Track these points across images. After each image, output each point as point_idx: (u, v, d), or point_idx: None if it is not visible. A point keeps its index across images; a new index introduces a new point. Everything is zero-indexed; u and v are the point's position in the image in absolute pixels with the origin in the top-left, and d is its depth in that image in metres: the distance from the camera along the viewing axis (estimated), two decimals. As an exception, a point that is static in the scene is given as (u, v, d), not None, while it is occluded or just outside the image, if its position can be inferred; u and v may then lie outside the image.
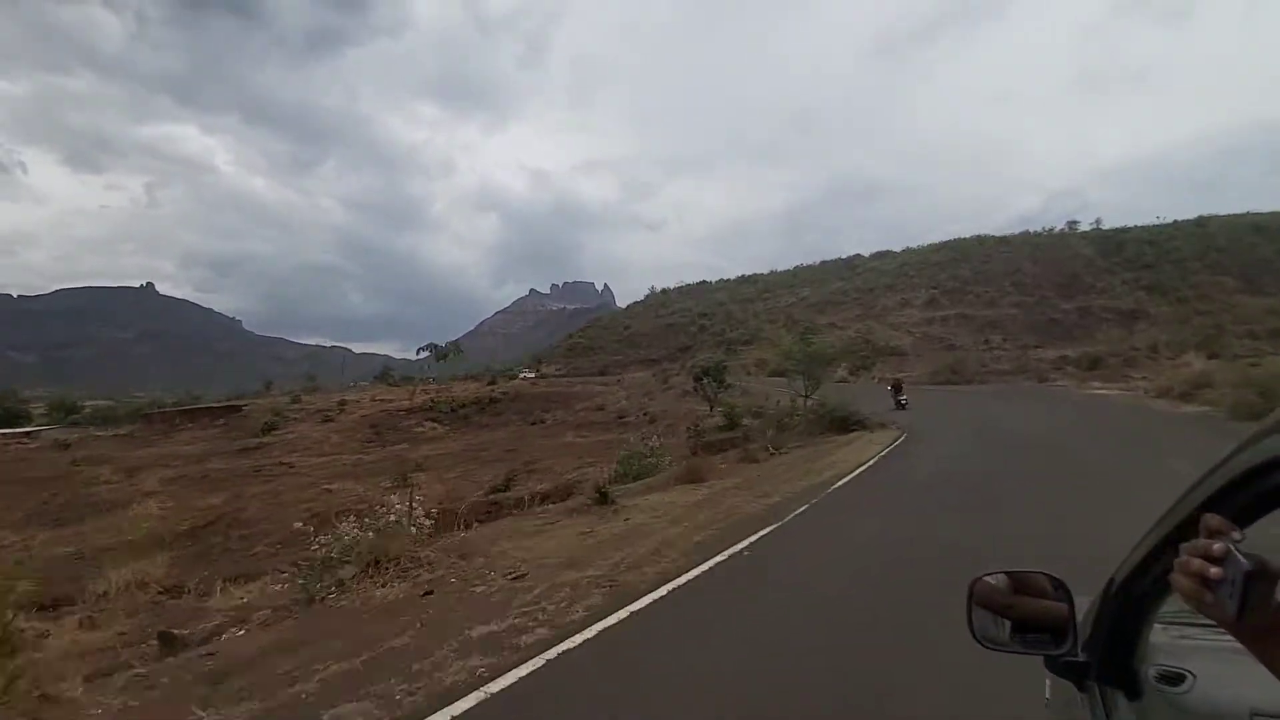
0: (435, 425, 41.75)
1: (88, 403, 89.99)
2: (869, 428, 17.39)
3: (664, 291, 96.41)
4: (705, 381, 28.77)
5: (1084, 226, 75.73)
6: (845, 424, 17.56)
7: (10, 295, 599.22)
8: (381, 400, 51.90)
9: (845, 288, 71.92)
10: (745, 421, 24.14)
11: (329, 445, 36.55)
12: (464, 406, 44.86)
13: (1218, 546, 0.78)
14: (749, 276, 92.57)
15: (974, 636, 1.35)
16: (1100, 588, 1.30)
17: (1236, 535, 0.79)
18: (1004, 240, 75.46)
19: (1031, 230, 77.72)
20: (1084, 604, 1.34)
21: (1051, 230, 76.71)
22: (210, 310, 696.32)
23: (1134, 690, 1.20)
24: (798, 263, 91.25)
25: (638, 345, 76.37)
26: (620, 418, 32.19)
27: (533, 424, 36.43)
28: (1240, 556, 0.76)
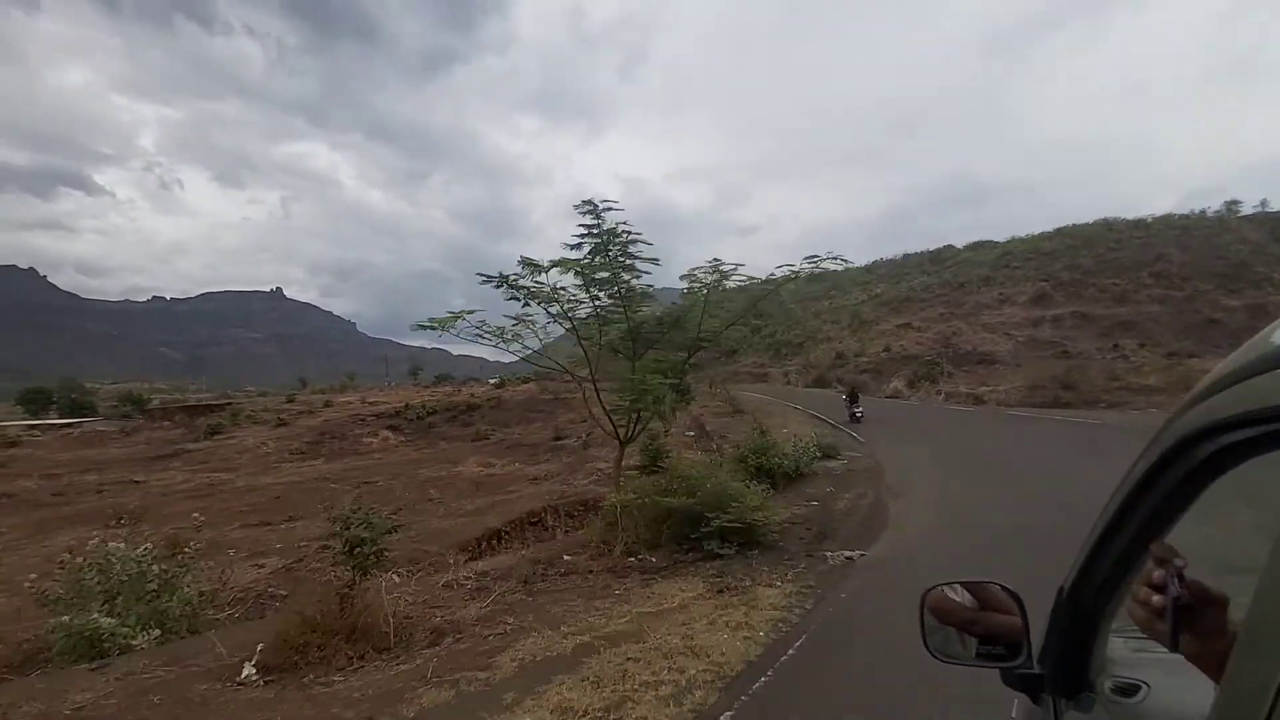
0: (390, 435, 35.23)
1: (159, 396, 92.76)
2: (783, 561, 6.66)
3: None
4: (655, 391, 20.01)
5: (1246, 209, 58.85)
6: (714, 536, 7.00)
7: (164, 298, 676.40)
8: (371, 403, 46.54)
9: (929, 282, 59.47)
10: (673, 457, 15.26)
11: (248, 457, 30.72)
12: (434, 414, 38.12)
13: (1157, 575, 0.80)
14: (817, 273, 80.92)
15: (927, 649, 1.34)
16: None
17: (1179, 562, 0.80)
18: (1139, 225, 59.89)
19: (1176, 214, 61.48)
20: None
21: (1203, 213, 60.18)
22: (330, 313, 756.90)
23: (1088, 702, 1.17)
24: (877, 257, 78.52)
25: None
26: (557, 439, 23.99)
27: (475, 440, 28.94)
28: (1176, 585, 0.78)
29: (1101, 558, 1.08)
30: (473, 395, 41.66)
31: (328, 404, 46.69)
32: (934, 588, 1.37)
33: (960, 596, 1.33)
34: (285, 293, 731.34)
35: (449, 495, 14.78)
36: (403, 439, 34.85)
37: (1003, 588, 1.31)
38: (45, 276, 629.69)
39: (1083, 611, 1.18)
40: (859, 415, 20.60)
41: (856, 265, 78.70)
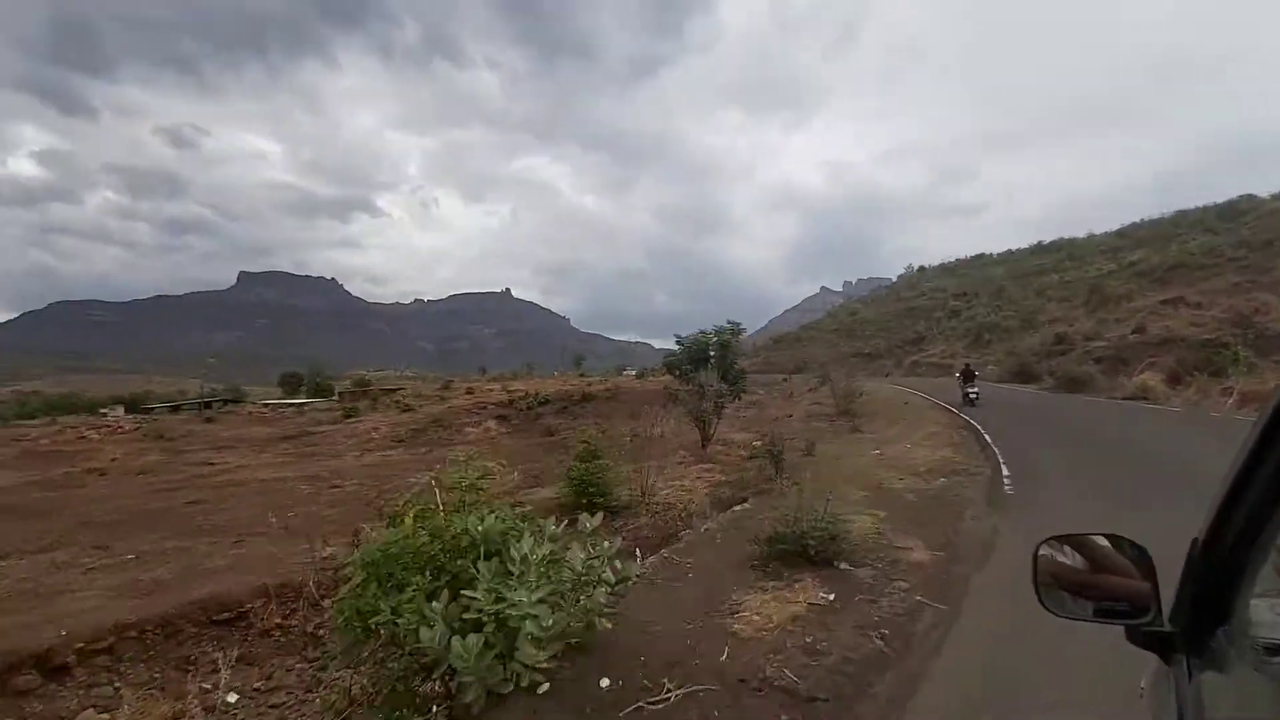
0: (493, 425, 33.10)
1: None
2: None
3: (920, 270, 73.74)
4: (692, 379, 13.73)
5: None
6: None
7: (422, 300, 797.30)
8: (510, 391, 45.82)
9: (1215, 244, 42.62)
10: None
11: (353, 442, 30.36)
12: (545, 404, 35.28)
13: None
14: (1050, 244, 64.13)
15: (1041, 604, 1.28)
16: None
17: None
18: None
19: None
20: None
21: None
22: (549, 311, 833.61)
23: (1228, 662, 1.05)
24: (1138, 218, 59.50)
25: (857, 336, 57.55)
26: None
27: (544, 436, 25.17)
28: None
29: (1237, 506, 0.99)
30: (588, 386, 38.18)
31: (469, 391, 46.88)
32: (1047, 541, 1.29)
33: (1072, 559, 1.26)
34: (513, 293, 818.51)
35: (327, 520, 10.61)
36: (506, 429, 32.51)
37: (1126, 541, 1.22)
38: (343, 285, 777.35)
39: (1219, 566, 1.07)
40: (973, 397, 19.43)
41: (1103, 232, 60.84)
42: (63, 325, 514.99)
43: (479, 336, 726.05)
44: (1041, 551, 1.29)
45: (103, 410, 61.78)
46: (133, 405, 60.49)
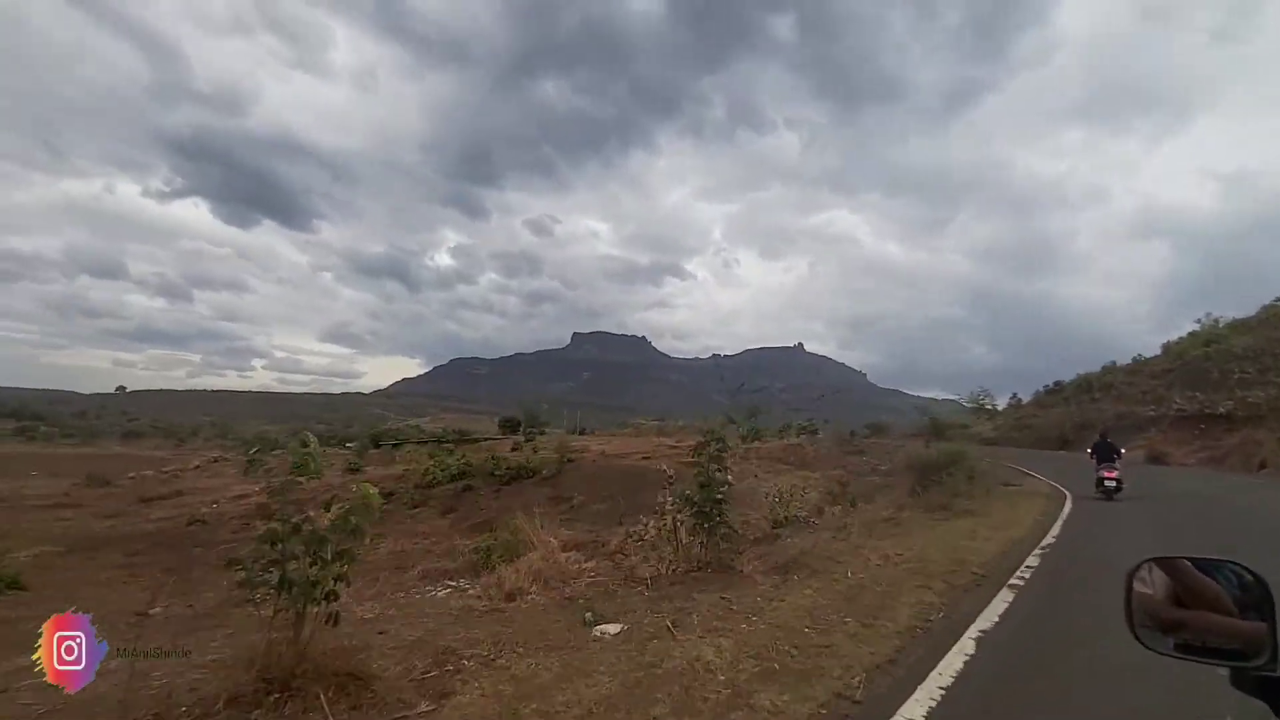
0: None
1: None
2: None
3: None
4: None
5: None
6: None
7: (718, 355, 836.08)
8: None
9: None
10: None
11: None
12: (458, 478, 26.75)
13: None
14: None
15: (1134, 635, 1.17)
16: None
17: None
18: None
19: None
20: None
21: None
22: (843, 365, 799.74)
23: None
24: None
25: (1203, 383, 36.82)
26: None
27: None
28: None
29: None
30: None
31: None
32: (1146, 562, 1.15)
33: (1159, 589, 1.11)
34: (805, 347, 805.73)
35: None
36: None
37: (1243, 570, 1.08)
38: (651, 343, 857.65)
39: None
40: (1110, 485, 12.89)
41: None
42: (455, 377, 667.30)
43: (770, 389, 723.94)
44: (1139, 575, 1.15)
45: (348, 444, 73.62)
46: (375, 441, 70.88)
